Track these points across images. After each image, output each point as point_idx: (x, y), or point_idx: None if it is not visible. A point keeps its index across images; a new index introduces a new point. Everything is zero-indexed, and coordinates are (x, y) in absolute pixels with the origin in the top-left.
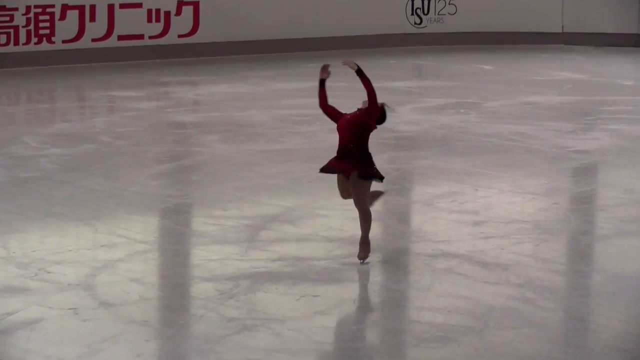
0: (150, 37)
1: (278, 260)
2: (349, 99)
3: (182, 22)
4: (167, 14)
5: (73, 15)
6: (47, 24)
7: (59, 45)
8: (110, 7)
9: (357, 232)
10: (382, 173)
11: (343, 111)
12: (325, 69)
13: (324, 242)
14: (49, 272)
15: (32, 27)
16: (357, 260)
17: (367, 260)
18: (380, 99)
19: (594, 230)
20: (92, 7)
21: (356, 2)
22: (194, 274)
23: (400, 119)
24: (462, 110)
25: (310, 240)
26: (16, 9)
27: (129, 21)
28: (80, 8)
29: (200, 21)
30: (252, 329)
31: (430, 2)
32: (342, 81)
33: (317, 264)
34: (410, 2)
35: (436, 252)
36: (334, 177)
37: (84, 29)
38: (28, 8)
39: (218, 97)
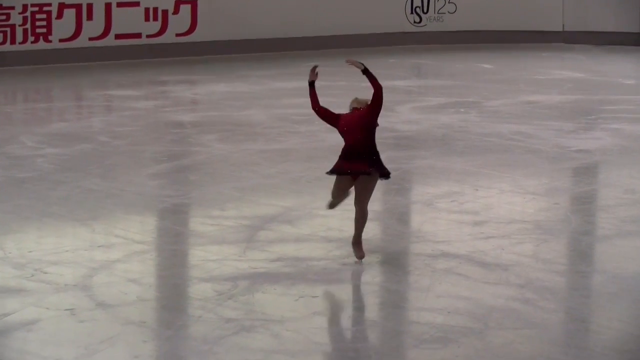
0: (147, 36)
1: (277, 261)
2: (349, 98)
3: (180, 21)
4: (165, 12)
5: (70, 13)
6: (44, 23)
7: (56, 44)
8: (108, 6)
9: None
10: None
11: (335, 112)
12: (313, 71)
13: (322, 243)
14: (45, 273)
15: (29, 25)
16: (356, 261)
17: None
18: None
19: (595, 231)
20: (89, 6)
21: (356, 1)
22: (192, 275)
23: (400, 118)
24: (462, 110)
25: (309, 241)
26: (13, 8)
27: (126, 20)
28: (77, 7)
29: (198, 20)
30: (251, 329)
31: (430, 0)
32: (342, 80)
33: (316, 264)
34: (409, 1)
35: (436, 252)
36: (333, 177)
37: (81, 28)
38: (25, 7)
39: (216, 97)
